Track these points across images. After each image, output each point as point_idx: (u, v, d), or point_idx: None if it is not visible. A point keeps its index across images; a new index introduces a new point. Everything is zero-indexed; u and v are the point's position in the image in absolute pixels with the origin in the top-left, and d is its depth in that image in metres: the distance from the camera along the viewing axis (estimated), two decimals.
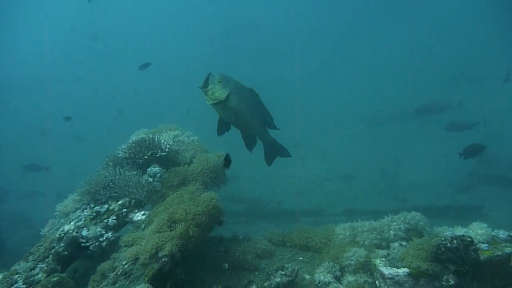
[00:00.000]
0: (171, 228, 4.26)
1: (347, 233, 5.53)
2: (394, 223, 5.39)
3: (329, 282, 4.74)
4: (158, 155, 6.04)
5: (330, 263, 4.93)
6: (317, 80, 30.78)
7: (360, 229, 5.52)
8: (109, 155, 6.41)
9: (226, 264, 5.29)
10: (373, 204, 12.65)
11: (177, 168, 5.94)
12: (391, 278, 4.26)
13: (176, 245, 4.05)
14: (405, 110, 18.90)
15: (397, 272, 4.28)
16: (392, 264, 4.50)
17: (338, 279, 4.81)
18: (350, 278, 4.69)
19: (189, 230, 4.21)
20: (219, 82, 5.18)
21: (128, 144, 6.27)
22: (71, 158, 21.27)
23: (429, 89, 23.78)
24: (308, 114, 24.04)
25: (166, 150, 6.09)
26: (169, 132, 7.19)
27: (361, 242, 5.33)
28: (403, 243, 5.12)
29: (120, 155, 6.12)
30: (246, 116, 5.42)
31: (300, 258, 5.50)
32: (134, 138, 6.48)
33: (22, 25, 36.11)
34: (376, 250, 5.11)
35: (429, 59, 27.88)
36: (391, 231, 5.31)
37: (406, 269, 4.30)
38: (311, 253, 5.59)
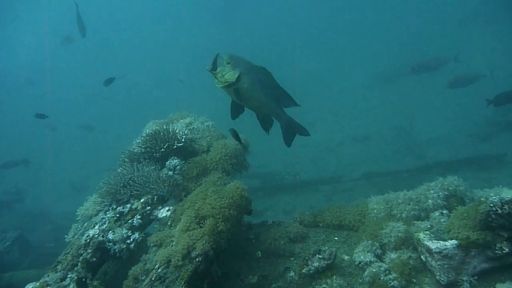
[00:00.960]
0: (200, 225, 4.03)
1: (382, 207, 5.26)
2: (432, 191, 5.10)
3: (371, 262, 4.50)
4: (175, 147, 5.77)
5: (369, 241, 4.69)
6: (321, 43, 29.94)
7: (394, 201, 5.23)
8: (124, 151, 6.17)
9: (259, 252, 5.09)
10: (392, 164, 12.45)
11: (196, 158, 5.68)
12: (439, 252, 4.00)
13: (208, 243, 3.83)
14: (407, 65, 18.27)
15: (445, 246, 4.02)
16: (437, 237, 4.24)
17: (379, 257, 4.58)
18: (393, 255, 4.44)
19: (218, 225, 3.98)
20: (228, 63, 4.84)
21: (142, 138, 6.01)
22: (82, 148, 21.41)
23: (436, 36, 23.01)
24: (314, 77, 23.27)
25: (183, 140, 5.82)
26: (181, 120, 6.92)
27: (398, 215, 5.06)
28: (444, 211, 4.85)
29: (135, 150, 5.87)
30: (259, 97, 5.09)
31: (335, 238, 5.26)
32: (147, 131, 6.21)
33: (21, 19, 35.91)
34: (415, 222, 4.85)
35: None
36: (429, 200, 5.02)
37: (454, 241, 4.03)
38: (346, 232, 5.34)
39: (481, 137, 13.62)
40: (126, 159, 5.98)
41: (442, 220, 4.71)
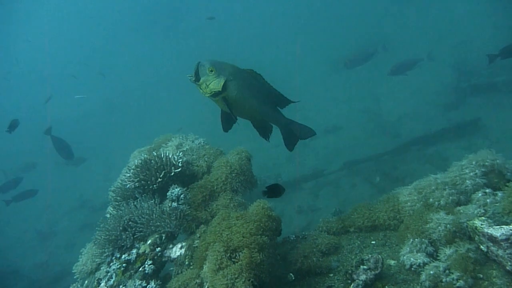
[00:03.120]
0: (233, 260, 3.39)
1: (415, 198, 4.73)
2: (467, 170, 4.60)
3: (425, 263, 3.95)
4: (172, 174, 5.11)
5: (416, 240, 4.13)
6: (274, 38, 29.67)
7: (427, 189, 4.70)
8: (114, 189, 5.48)
9: (291, 274, 4.47)
10: (370, 149, 12.02)
11: (199, 182, 5.05)
12: (507, 239, 3.48)
13: (248, 280, 3.20)
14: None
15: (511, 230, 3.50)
16: (496, 221, 3.73)
17: (432, 256, 4.03)
18: (448, 250, 3.89)
19: (254, 256, 3.35)
20: (211, 71, 4.26)
21: (132, 170, 5.31)
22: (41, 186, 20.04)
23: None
24: (272, 74, 22.89)
25: (180, 165, 5.17)
26: (170, 143, 6.25)
27: (436, 203, 4.53)
28: (487, 190, 4.35)
29: (127, 185, 5.18)
30: (252, 103, 4.51)
31: (373, 242, 4.69)
32: (136, 161, 5.51)
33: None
34: (459, 208, 4.34)
35: None
36: (467, 181, 4.52)
37: None
38: (381, 233, 4.78)
39: (450, 106, 13.60)
40: (118, 198, 5.28)
41: (488, 200, 4.22)
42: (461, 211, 4.27)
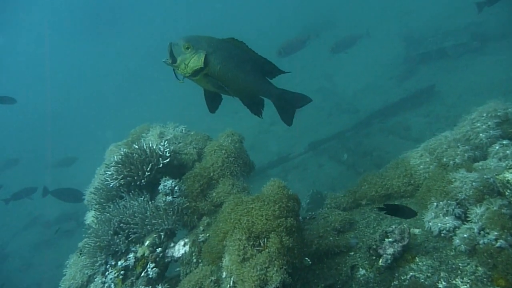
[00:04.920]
0: (257, 248, 2.93)
1: (427, 160, 4.43)
2: (478, 124, 4.33)
3: (455, 227, 3.64)
4: (160, 165, 4.58)
5: (441, 203, 3.81)
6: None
7: (439, 148, 4.41)
8: (95, 192, 4.91)
9: (307, 258, 4.07)
10: (331, 127, 12.08)
11: (194, 170, 4.55)
12: None
13: (282, 268, 2.77)
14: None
15: None
16: None
17: (461, 219, 3.72)
18: (478, 210, 3.59)
19: (284, 240, 2.92)
20: (187, 48, 3.75)
21: (113, 167, 4.74)
22: None
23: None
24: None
25: (168, 154, 4.64)
26: (150, 133, 5.68)
27: (451, 163, 4.24)
28: (504, 142, 4.09)
29: (111, 184, 4.60)
30: (238, 76, 4.02)
31: None
32: (115, 157, 4.94)
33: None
34: (477, 164, 4.07)
35: None
36: (481, 134, 4.25)
37: None
38: (397, 201, 4.45)
39: (403, 77, 13.87)
40: (102, 200, 4.71)
41: (508, 152, 3.96)
42: (481, 166, 4.00)
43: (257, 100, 4.39)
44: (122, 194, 4.56)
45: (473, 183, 3.73)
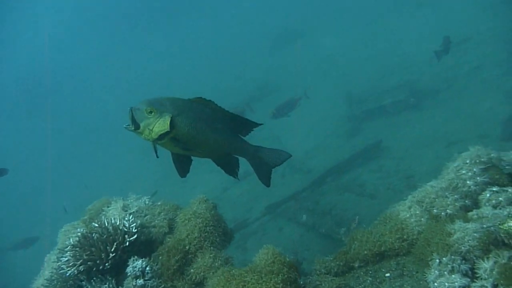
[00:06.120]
0: None
1: (418, 212, 4.18)
2: (463, 171, 4.16)
3: (465, 286, 3.32)
4: (127, 244, 4.00)
5: (444, 259, 3.51)
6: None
7: (427, 198, 4.20)
8: (48, 284, 4.22)
9: None
10: (286, 188, 11.90)
11: (166, 245, 4.01)
12: None
13: None
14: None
15: None
16: None
17: (468, 275, 3.42)
18: (487, 264, 3.32)
19: None
20: (151, 112, 3.45)
21: (68, 252, 4.10)
22: None
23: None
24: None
25: (134, 230, 4.08)
26: (111, 207, 5.08)
27: (442, 213, 4.02)
28: (494, 188, 3.93)
29: (68, 273, 3.94)
30: (208, 136, 3.72)
31: (387, 275, 3.97)
32: (71, 240, 4.30)
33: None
34: (471, 213, 3.86)
35: None
36: (467, 182, 4.07)
37: None
38: (393, 261, 4.10)
39: (350, 134, 14.33)
40: None
41: (501, 199, 3.79)
42: (476, 216, 3.79)
43: (231, 160, 4.09)
44: (82, 282, 3.91)
45: (475, 233, 3.48)
